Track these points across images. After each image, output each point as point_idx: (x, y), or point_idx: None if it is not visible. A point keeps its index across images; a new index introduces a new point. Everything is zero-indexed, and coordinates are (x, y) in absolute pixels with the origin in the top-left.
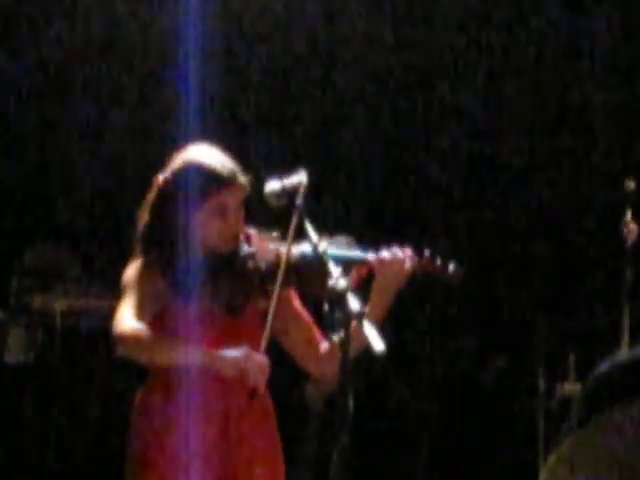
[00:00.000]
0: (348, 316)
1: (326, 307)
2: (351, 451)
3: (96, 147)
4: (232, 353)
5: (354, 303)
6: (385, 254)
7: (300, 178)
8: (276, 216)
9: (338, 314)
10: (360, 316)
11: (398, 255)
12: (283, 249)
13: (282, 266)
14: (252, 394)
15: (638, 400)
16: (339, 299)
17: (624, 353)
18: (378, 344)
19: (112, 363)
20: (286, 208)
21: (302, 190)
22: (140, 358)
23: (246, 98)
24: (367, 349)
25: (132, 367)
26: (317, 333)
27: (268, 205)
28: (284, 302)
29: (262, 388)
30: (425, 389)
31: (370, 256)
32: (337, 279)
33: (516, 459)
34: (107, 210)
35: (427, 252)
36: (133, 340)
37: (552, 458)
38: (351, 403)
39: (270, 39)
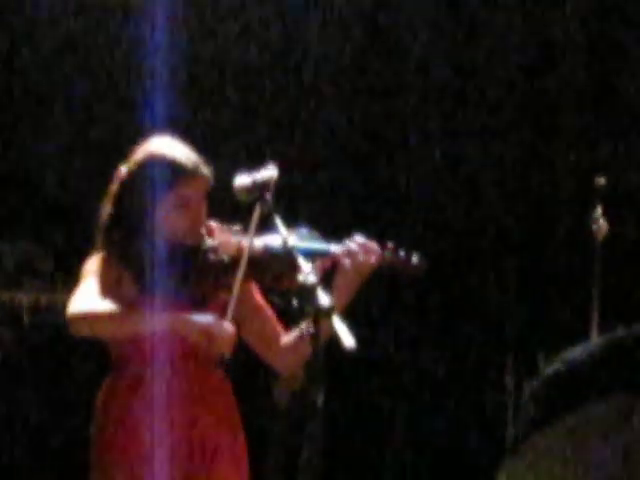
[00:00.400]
0: (318, 311)
1: (295, 301)
2: (322, 446)
3: (64, 143)
4: (200, 318)
5: (324, 298)
6: (349, 246)
7: (271, 173)
8: (241, 209)
9: (307, 308)
10: (330, 311)
11: (361, 247)
12: (246, 242)
13: (244, 259)
14: (219, 361)
15: (594, 402)
16: (309, 294)
17: (576, 350)
18: (348, 340)
19: (80, 357)
20: (255, 202)
21: (272, 185)
22: (103, 331)
23: (213, 90)
24: (337, 344)
25: (99, 358)
26: (278, 326)
27: (237, 199)
28: (245, 295)
29: (228, 355)
30: (392, 385)
31: (334, 248)
32: (307, 274)
33: (484, 456)
34: (77, 204)
35: (390, 244)
36: (94, 314)
37: (507, 460)
38: (321, 397)
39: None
